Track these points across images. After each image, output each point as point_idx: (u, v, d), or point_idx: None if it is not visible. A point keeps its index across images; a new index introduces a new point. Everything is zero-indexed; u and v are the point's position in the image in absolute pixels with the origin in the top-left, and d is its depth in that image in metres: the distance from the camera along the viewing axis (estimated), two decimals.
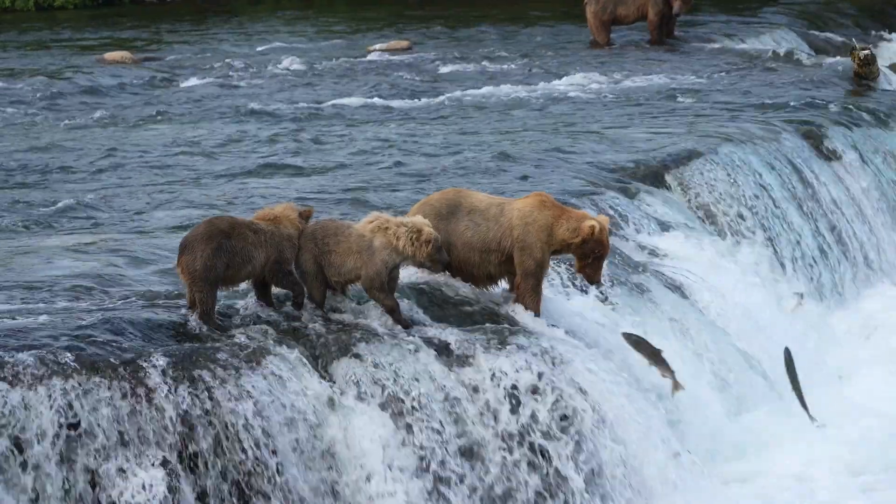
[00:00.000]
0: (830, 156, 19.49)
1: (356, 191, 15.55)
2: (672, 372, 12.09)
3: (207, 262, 10.37)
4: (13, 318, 10.37)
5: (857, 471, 12.34)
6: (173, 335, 10.33)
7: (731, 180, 17.19)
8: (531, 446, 10.70)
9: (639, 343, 12.18)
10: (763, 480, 11.99)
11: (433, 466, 10.36)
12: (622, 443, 10.99)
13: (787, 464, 12.27)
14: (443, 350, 10.87)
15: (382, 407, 10.38)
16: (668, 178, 16.89)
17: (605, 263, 11.75)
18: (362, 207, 14.50)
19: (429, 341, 10.89)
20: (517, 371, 10.86)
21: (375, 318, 11.04)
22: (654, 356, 12.11)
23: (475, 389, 10.74)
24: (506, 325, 11.39)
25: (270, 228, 10.69)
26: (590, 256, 11.56)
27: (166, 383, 9.70)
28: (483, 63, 27.26)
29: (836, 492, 11.88)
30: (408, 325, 11.02)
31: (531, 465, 10.66)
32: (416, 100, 23.33)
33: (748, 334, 14.11)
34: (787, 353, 13.34)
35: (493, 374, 10.81)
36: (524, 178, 16.13)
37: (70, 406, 9.33)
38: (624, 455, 10.94)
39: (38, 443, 9.18)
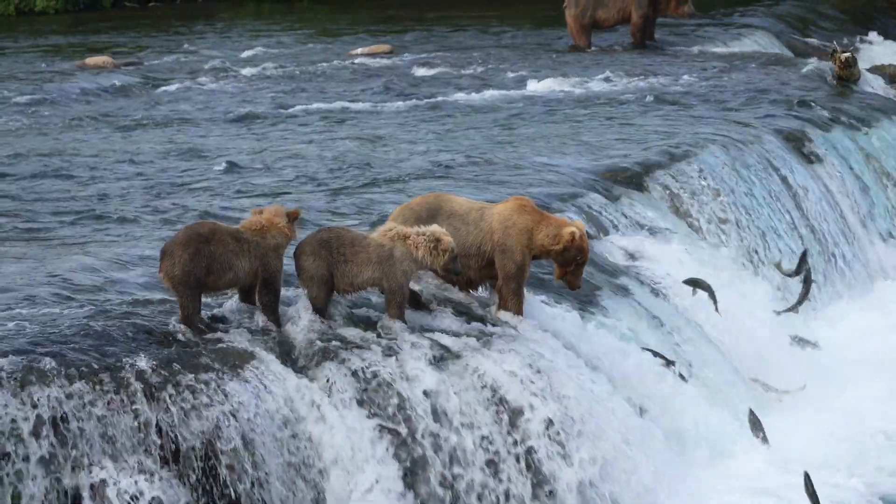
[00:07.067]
0: (812, 158, 19.55)
1: (337, 194, 15.56)
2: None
3: (185, 267, 10.40)
4: None
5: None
6: (157, 340, 10.34)
7: (712, 183, 17.23)
8: (513, 445, 10.74)
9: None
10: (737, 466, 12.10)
11: (417, 469, 10.39)
12: (603, 438, 11.06)
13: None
14: (427, 352, 10.88)
15: (366, 410, 10.40)
16: (650, 181, 16.92)
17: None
18: (343, 212, 14.51)
19: (413, 343, 10.91)
20: (500, 372, 10.88)
21: (360, 320, 11.06)
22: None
23: (458, 391, 10.75)
24: (488, 328, 11.41)
25: (255, 239, 10.68)
26: (571, 263, 11.58)
27: (149, 388, 9.70)
28: (464, 67, 27.29)
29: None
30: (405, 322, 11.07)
31: (514, 464, 10.71)
32: (397, 104, 23.34)
33: (728, 333, 14.20)
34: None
35: (476, 376, 10.83)
36: (504, 181, 16.13)
37: (53, 411, 9.33)
38: (604, 451, 11.00)
39: (21, 447, 9.18)
